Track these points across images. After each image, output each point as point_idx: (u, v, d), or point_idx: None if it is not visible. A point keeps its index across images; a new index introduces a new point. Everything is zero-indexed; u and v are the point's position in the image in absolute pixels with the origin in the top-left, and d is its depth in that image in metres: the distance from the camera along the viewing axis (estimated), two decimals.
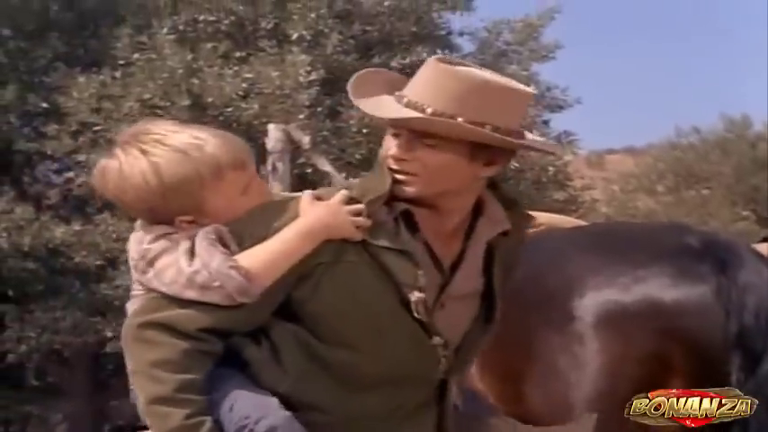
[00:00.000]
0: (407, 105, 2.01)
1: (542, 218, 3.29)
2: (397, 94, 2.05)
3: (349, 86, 2.06)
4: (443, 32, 14.32)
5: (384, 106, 2.04)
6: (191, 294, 1.94)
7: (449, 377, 2.12)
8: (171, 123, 2.12)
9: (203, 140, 2.05)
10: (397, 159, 2.02)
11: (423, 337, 2.05)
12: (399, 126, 2.03)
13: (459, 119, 1.97)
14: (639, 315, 2.97)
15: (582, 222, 4.24)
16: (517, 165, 12.57)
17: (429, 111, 1.98)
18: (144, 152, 2.03)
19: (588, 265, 3.09)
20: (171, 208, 2.03)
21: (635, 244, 3.17)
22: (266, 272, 1.95)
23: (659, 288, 2.99)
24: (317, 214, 2.00)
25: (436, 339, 2.06)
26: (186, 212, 2.04)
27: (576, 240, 3.28)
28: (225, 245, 1.99)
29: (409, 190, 2.03)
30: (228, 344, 2.01)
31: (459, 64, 2.08)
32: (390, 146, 2.04)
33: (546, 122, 14.44)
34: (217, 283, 1.92)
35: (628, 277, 3.02)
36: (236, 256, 1.96)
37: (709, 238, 3.15)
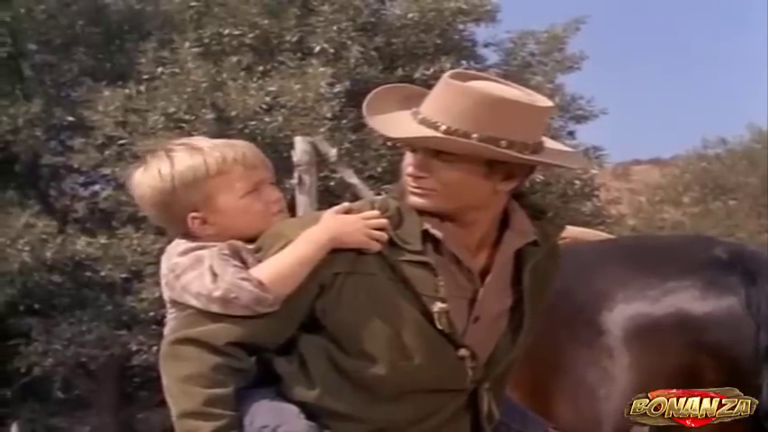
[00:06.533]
0: (422, 123, 2.01)
1: (567, 231, 3.27)
2: (413, 110, 2.04)
3: (365, 103, 2.05)
4: (468, 44, 14.34)
5: (397, 125, 2.04)
6: (214, 308, 1.97)
7: (479, 386, 2.10)
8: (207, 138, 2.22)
9: (220, 142, 2.14)
10: (415, 177, 2.02)
11: (447, 349, 2.02)
12: (415, 143, 2.03)
13: (474, 135, 1.96)
14: (669, 328, 2.94)
15: (607, 235, 4.22)
16: (543, 177, 12.55)
17: (443, 128, 1.97)
18: (168, 151, 2.12)
19: (616, 278, 3.07)
20: (181, 201, 2.08)
21: (663, 257, 3.14)
22: (278, 280, 1.97)
23: (689, 300, 2.96)
24: (327, 224, 2.02)
25: (462, 351, 2.05)
26: (196, 208, 2.07)
27: (604, 253, 3.26)
28: (242, 259, 2.02)
29: (428, 205, 2.02)
30: (263, 361, 2.03)
31: (476, 78, 2.06)
32: (408, 163, 2.04)
33: (571, 133, 14.45)
34: (233, 295, 1.95)
35: (657, 290, 2.99)
36: (252, 269, 1.99)
37: (736, 249, 3.12)
